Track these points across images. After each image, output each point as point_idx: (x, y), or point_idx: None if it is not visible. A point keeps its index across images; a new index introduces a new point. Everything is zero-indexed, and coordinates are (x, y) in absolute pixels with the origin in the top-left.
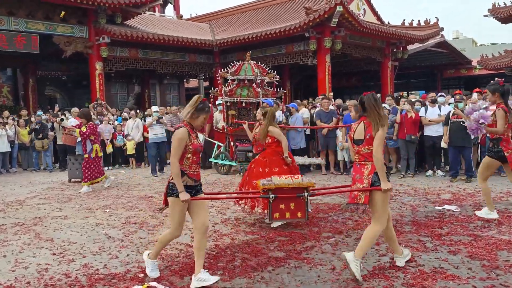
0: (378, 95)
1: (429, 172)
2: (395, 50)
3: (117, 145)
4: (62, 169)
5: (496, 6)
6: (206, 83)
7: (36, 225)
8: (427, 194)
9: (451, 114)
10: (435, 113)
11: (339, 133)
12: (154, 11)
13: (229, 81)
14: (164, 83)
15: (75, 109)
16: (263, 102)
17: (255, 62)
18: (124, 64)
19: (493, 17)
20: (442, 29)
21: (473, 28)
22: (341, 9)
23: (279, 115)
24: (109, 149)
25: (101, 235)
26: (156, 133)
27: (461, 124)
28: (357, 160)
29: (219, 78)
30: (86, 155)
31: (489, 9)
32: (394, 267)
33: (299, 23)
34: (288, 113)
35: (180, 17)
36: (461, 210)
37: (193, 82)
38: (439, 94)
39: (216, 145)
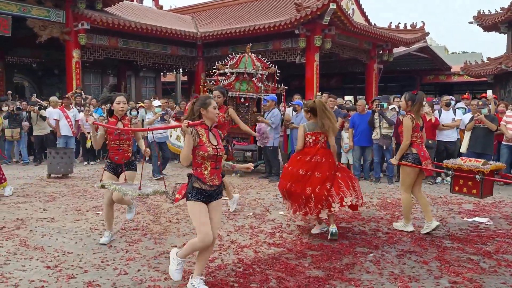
0: (362, 97)
1: (439, 179)
2: (381, 52)
3: None
4: (37, 162)
5: (482, 13)
6: (184, 78)
7: (19, 229)
8: (447, 204)
9: (473, 119)
10: (449, 117)
11: (345, 135)
12: (132, 0)
13: (227, 74)
14: (140, 76)
15: (53, 98)
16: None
17: (255, 55)
18: (103, 53)
19: (478, 24)
20: (428, 33)
21: (445, 35)
22: (335, 7)
23: (276, 113)
24: (89, 143)
25: (99, 243)
26: (158, 131)
27: (485, 130)
28: None
29: (216, 70)
30: None
31: (474, 16)
32: None
33: (289, 19)
34: (294, 111)
35: (160, 7)
36: (494, 223)
37: (170, 77)
38: (449, 98)
39: None
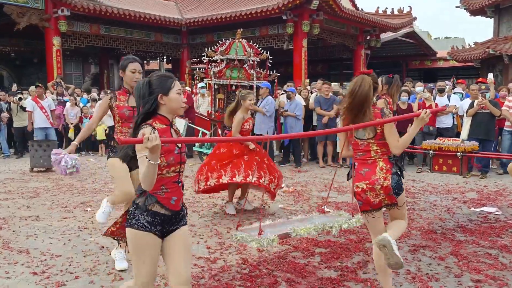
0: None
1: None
2: (368, 38)
3: None
4: (18, 155)
5: None
6: (168, 66)
7: (1, 229)
8: (450, 192)
9: (475, 104)
10: (443, 103)
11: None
12: None
13: (218, 61)
14: None
15: (33, 88)
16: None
17: (246, 41)
18: (85, 40)
19: (465, 9)
20: (415, 18)
21: (427, 21)
22: None
23: (271, 101)
24: (71, 133)
25: (90, 244)
26: None
27: (487, 115)
28: None
29: (206, 56)
30: None
31: (461, 0)
32: None
33: (277, 4)
34: (288, 99)
35: None
36: (503, 212)
37: (154, 65)
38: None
39: (200, 132)
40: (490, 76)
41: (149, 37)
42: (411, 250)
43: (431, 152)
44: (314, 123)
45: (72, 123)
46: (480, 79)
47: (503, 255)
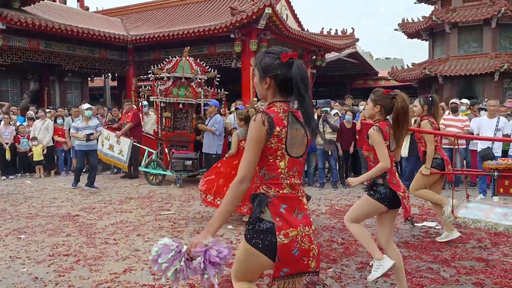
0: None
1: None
2: (314, 57)
3: (21, 150)
4: None
5: (405, 21)
6: (114, 83)
7: None
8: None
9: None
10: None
11: None
12: (54, 1)
13: (164, 79)
14: (65, 81)
15: None
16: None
17: (193, 59)
18: (23, 56)
19: (402, 32)
20: (357, 39)
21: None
22: (270, 11)
23: (219, 119)
24: (8, 155)
25: (22, 275)
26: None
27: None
28: None
29: (152, 74)
30: None
31: (399, 24)
32: None
33: (224, 23)
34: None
35: (86, 9)
36: (442, 227)
37: (98, 81)
38: None
39: (146, 152)
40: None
41: (93, 54)
42: (358, 268)
43: (496, 174)
44: None
45: (7, 143)
46: None
47: (444, 269)
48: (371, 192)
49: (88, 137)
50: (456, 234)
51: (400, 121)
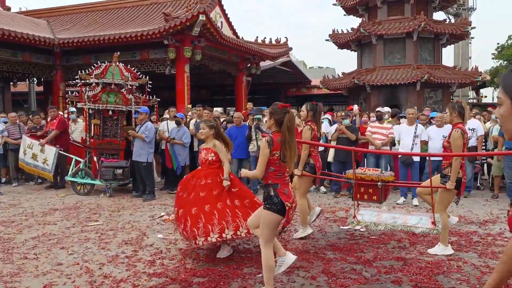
0: (233, 109)
1: (323, 189)
2: (248, 65)
3: None
4: None
5: (336, 32)
6: (40, 88)
7: None
8: (322, 213)
9: (335, 129)
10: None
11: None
12: None
13: (93, 84)
14: None
15: None
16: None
17: (123, 64)
18: None
19: (333, 42)
20: (291, 48)
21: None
22: (204, 19)
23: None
24: None
25: None
26: None
27: (346, 139)
28: None
29: (79, 79)
30: None
31: (330, 35)
32: None
33: (158, 28)
34: (177, 125)
35: (7, 9)
36: (367, 229)
37: (22, 86)
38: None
39: (73, 160)
40: (355, 107)
41: (16, 57)
42: (286, 272)
43: (352, 181)
44: (196, 149)
45: None
46: (349, 107)
47: (366, 269)
48: (267, 205)
49: None
50: (309, 230)
51: (287, 135)
